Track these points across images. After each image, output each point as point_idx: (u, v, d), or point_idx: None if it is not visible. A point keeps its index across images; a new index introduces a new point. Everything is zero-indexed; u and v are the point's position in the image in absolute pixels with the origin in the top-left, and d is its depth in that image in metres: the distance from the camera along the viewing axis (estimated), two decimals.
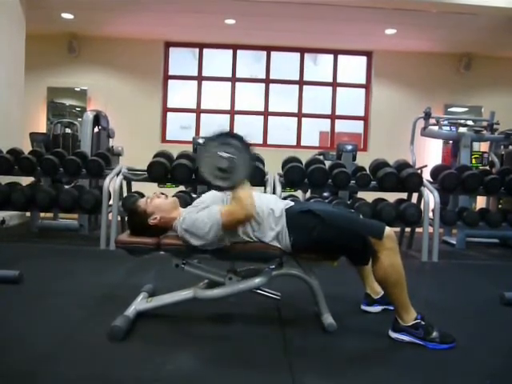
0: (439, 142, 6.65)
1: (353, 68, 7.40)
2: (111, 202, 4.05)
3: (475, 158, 5.27)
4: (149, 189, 3.33)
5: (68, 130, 6.26)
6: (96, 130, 5.19)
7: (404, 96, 6.98)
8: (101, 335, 1.84)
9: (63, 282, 2.72)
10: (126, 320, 1.90)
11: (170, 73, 7.16)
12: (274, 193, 3.85)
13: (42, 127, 6.61)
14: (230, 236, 1.96)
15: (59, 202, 4.12)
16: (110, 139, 5.46)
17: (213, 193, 2.09)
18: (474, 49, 6.71)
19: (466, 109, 7.06)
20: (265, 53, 7.16)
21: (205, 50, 7.15)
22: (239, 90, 7.21)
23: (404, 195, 4.33)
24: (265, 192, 3.81)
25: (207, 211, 1.93)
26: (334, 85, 7.21)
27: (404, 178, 4.07)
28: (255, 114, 7.22)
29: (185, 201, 3.45)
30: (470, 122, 5.62)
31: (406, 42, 6.55)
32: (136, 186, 4.37)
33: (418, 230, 4.23)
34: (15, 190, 4.13)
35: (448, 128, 5.41)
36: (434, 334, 1.86)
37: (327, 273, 2.26)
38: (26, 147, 4.70)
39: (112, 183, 4.01)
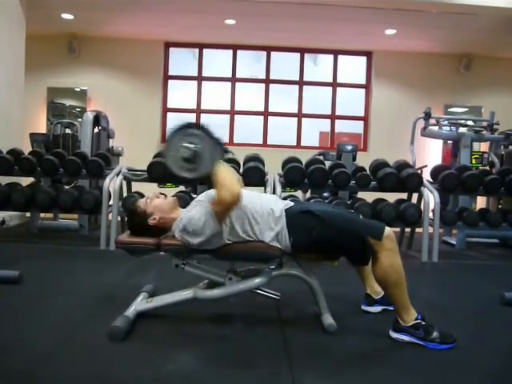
0: (439, 142, 6.65)
1: (353, 68, 7.40)
2: (111, 203, 4.05)
3: (475, 158, 5.26)
4: (149, 189, 3.33)
5: (68, 131, 6.25)
6: (96, 130, 5.19)
7: (404, 96, 6.98)
8: (101, 335, 1.84)
9: (63, 282, 2.72)
10: (126, 320, 1.90)
11: (170, 73, 7.16)
12: (273, 193, 3.86)
13: (41, 127, 6.60)
14: (230, 235, 1.97)
15: (59, 202, 4.13)
16: (110, 139, 5.47)
17: (210, 191, 2.09)
18: (474, 49, 6.71)
19: (466, 109, 7.05)
20: (265, 53, 7.16)
21: (205, 50, 7.15)
22: (239, 90, 7.21)
23: (404, 195, 4.33)
24: (265, 192, 3.81)
25: (199, 207, 1.96)
26: (334, 85, 7.21)
27: (404, 178, 4.07)
28: (255, 114, 7.22)
29: (185, 201, 3.44)
30: (469, 122, 5.61)
31: (406, 42, 6.55)
32: (136, 186, 4.37)
33: (418, 230, 4.23)
34: (15, 191, 4.13)
35: (448, 128, 5.41)
36: (435, 334, 1.86)
37: (327, 273, 2.27)
38: (26, 148, 4.70)
39: (112, 183, 4.01)
